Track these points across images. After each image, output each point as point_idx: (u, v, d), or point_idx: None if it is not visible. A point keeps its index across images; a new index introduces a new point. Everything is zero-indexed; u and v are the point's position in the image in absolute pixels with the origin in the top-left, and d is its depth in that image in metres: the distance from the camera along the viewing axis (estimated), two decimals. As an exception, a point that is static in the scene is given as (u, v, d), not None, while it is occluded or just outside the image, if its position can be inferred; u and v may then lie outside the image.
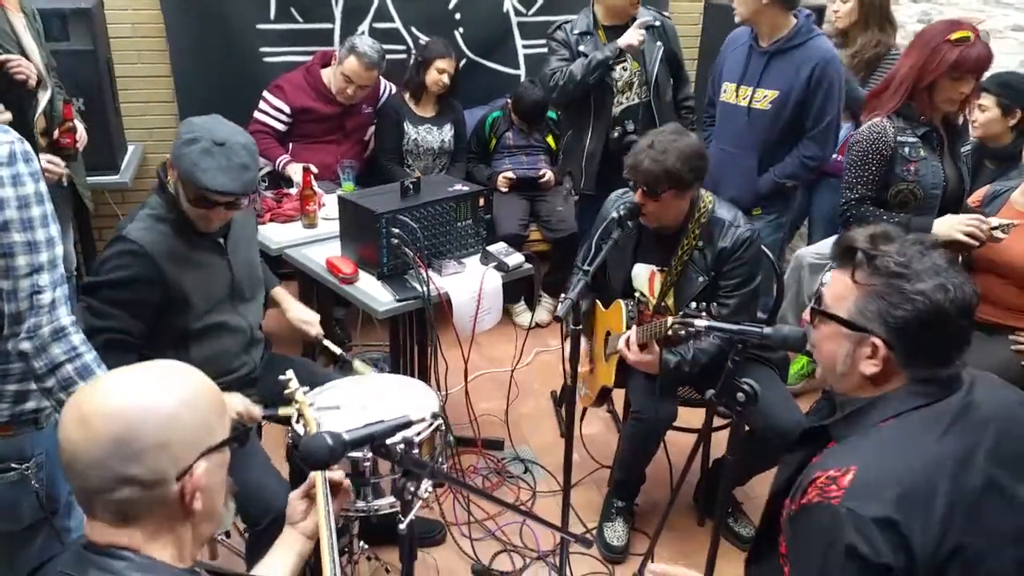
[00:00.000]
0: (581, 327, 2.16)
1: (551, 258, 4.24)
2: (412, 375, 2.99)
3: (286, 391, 1.96)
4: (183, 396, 1.11)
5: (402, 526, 1.40)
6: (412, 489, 1.42)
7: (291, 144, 3.87)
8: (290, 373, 2.01)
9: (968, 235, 2.48)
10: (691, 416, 2.76)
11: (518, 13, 4.56)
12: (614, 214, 2.31)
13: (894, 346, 1.33)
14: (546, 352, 3.97)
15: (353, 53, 3.65)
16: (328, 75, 3.81)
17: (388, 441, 1.36)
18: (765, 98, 3.10)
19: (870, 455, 1.31)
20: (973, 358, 1.87)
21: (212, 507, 1.15)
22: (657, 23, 3.54)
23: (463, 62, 4.52)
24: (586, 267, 2.09)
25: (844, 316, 1.38)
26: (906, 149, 2.57)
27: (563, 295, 2.03)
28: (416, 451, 2.14)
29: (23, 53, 2.76)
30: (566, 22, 3.58)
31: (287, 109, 3.79)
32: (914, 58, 2.52)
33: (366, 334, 3.89)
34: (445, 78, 3.91)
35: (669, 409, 2.58)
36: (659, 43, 3.55)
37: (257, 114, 3.79)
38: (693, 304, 1.86)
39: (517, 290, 4.21)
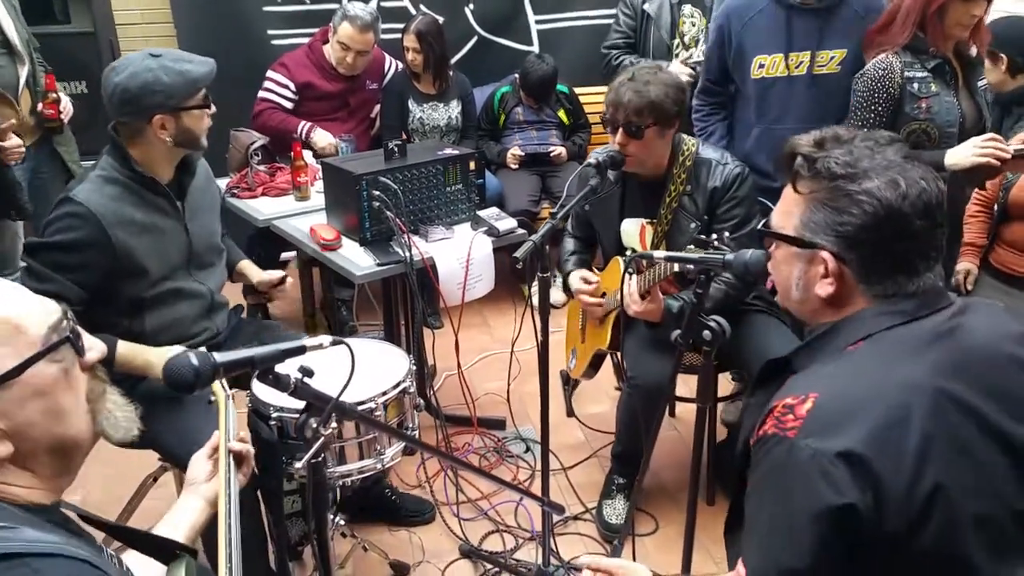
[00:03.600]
0: (548, 274, 2.01)
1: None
2: (408, 351, 2.86)
3: None
4: None
5: (299, 464, 1.25)
6: (314, 425, 1.27)
7: (298, 122, 3.79)
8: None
9: (988, 157, 2.19)
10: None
11: (530, -13, 4.43)
12: (591, 160, 2.15)
13: (847, 259, 1.14)
14: (559, 332, 3.79)
15: (345, 18, 3.58)
16: (329, 50, 3.74)
17: (278, 368, 1.23)
18: (832, 60, 2.67)
19: (833, 380, 1.11)
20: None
21: (41, 440, 0.96)
22: None
23: (473, 40, 4.41)
24: (553, 211, 1.93)
25: (790, 233, 1.19)
26: (915, 85, 2.33)
27: (528, 238, 1.89)
28: (380, 414, 2.03)
29: None
30: None
31: (292, 85, 3.71)
32: None
33: (366, 315, 3.78)
34: (410, 55, 3.82)
35: (666, 371, 2.39)
36: None
37: (262, 93, 3.71)
38: (702, 236, 1.67)
39: (531, 269, 4.05)
